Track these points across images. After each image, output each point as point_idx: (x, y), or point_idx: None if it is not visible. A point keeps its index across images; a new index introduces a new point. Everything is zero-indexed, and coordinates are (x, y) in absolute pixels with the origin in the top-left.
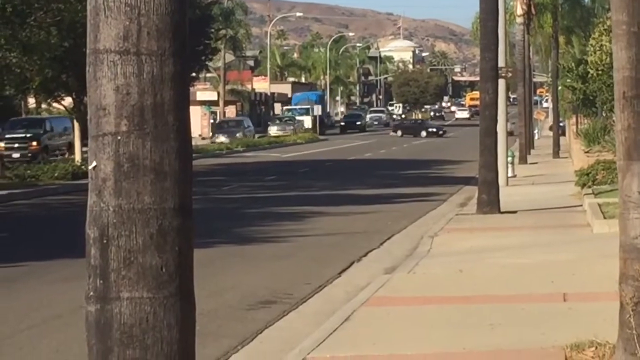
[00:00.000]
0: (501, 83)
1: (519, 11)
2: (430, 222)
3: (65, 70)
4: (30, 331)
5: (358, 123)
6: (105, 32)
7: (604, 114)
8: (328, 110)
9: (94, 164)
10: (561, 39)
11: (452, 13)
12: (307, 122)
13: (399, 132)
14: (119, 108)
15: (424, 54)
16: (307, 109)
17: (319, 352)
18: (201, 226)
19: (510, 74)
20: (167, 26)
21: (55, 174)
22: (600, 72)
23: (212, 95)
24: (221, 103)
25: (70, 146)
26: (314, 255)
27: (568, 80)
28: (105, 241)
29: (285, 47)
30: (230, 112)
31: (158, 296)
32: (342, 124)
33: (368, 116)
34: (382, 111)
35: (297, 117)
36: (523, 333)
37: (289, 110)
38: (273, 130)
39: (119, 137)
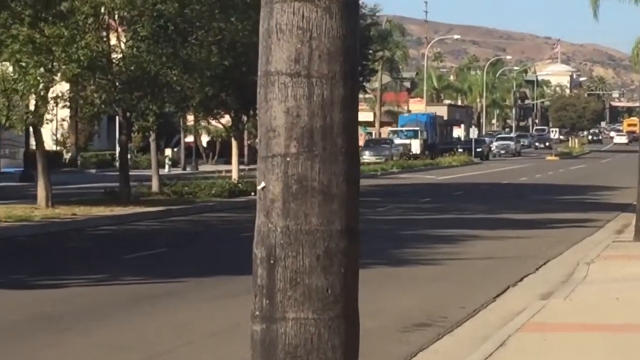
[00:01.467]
0: None
1: None
2: (587, 248)
3: (224, 89)
4: (188, 347)
5: (479, 150)
6: (277, 54)
7: None
8: (483, 133)
9: (263, 184)
10: None
11: (611, 38)
12: (415, 145)
13: None
14: (288, 130)
15: (581, 79)
16: (416, 132)
17: None
18: None
19: None
20: (338, 49)
21: (212, 191)
22: None
23: (368, 116)
24: (377, 124)
25: None
26: (469, 279)
27: None
28: (272, 261)
29: (441, 70)
30: (385, 133)
31: (323, 317)
32: (460, 150)
33: (494, 144)
34: (510, 139)
35: (401, 141)
36: None
37: (394, 132)
38: (366, 155)
39: (288, 159)
